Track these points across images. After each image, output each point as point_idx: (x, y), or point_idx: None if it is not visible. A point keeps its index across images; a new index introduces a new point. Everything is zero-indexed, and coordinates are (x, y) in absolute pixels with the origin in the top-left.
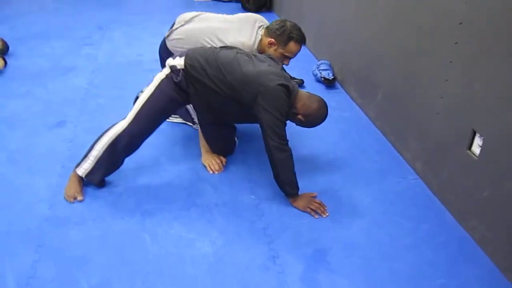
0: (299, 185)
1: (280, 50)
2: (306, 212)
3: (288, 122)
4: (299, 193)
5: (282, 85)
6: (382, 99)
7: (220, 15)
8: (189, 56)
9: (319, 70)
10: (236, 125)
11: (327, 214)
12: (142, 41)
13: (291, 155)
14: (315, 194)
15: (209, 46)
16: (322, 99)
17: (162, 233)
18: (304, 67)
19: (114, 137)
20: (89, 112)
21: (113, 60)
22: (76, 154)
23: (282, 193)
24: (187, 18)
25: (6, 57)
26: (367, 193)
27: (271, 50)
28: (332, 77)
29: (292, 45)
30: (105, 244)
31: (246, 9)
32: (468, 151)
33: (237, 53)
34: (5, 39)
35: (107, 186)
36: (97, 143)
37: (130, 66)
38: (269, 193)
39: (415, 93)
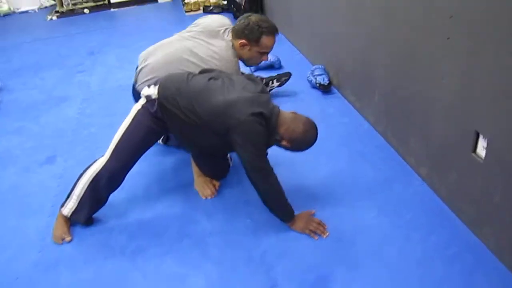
0: (296, 202)
1: (255, 49)
2: (305, 233)
3: None
4: (297, 212)
5: (255, 114)
6: (379, 101)
7: (178, 35)
8: (162, 85)
9: (314, 75)
10: None
11: (327, 234)
12: (135, 63)
13: (277, 182)
14: (313, 212)
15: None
16: (310, 120)
17: (154, 269)
18: (299, 73)
19: (93, 175)
20: (80, 143)
21: (106, 86)
22: (65, 190)
23: None
24: (150, 51)
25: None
26: (371, 204)
27: (245, 51)
28: (328, 82)
29: (265, 40)
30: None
31: (237, 18)
32: (473, 154)
33: (210, 79)
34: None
35: (97, 222)
36: (79, 181)
37: (122, 91)
38: (266, 215)
39: (413, 93)
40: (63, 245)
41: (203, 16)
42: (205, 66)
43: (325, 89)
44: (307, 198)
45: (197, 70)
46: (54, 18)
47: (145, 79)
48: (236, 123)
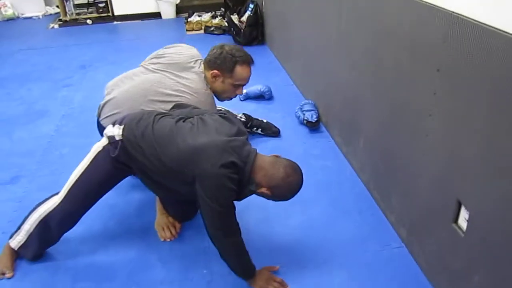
0: (260, 254)
1: (228, 80)
2: None
3: None
4: (259, 266)
5: (225, 165)
6: (364, 149)
7: (143, 65)
8: (127, 126)
9: (302, 111)
10: None
11: None
12: None
13: (240, 243)
14: (276, 269)
15: (153, 108)
16: (292, 164)
17: None
18: (288, 107)
19: (44, 215)
20: (48, 165)
21: (89, 103)
22: (20, 218)
23: None
24: (115, 82)
25: None
26: (342, 266)
27: (218, 83)
28: (316, 119)
29: (239, 70)
30: None
31: (237, 42)
32: (454, 225)
33: (179, 120)
34: None
35: (44, 258)
36: (30, 217)
37: None
38: (226, 267)
39: (397, 147)
40: (1, 280)
41: (170, 45)
42: (172, 103)
43: (313, 126)
44: (273, 250)
45: (165, 107)
46: (56, 26)
47: (108, 114)
48: (202, 174)
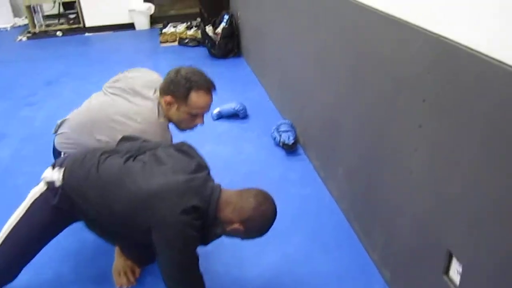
0: None
1: (184, 108)
2: None
3: None
4: None
5: (186, 211)
6: (343, 176)
7: (104, 86)
8: (67, 170)
9: (279, 132)
10: None
11: None
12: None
13: (202, 283)
14: None
15: (100, 135)
16: (262, 191)
17: None
18: (264, 126)
19: None
20: (0, 198)
21: (51, 124)
22: None
23: None
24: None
25: None
26: None
27: (173, 111)
28: (293, 141)
29: (194, 97)
30: None
31: (212, 55)
32: (445, 277)
33: (128, 159)
34: None
35: None
36: None
37: None
38: None
39: (378, 179)
40: None
41: (131, 69)
42: (118, 131)
43: (290, 149)
44: None
45: (110, 133)
46: (24, 39)
47: (61, 141)
48: (160, 223)
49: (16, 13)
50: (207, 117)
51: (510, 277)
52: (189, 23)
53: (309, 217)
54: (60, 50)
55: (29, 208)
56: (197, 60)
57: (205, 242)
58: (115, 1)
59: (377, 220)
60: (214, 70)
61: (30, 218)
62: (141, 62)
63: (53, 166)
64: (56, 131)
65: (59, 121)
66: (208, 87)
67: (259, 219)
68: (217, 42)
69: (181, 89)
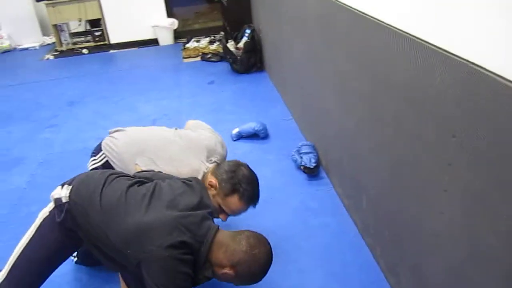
0: None
1: (218, 199)
2: None
3: None
4: None
5: (173, 246)
6: (367, 209)
7: (175, 131)
8: (74, 188)
9: (300, 154)
10: None
11: None
12: (108, 119)
13: None
14: None
15: (138, 164)
16: (257, 234)
17: None
18: (284, 148)
19: None
20: (11, 228)
21: (70, 147)
22: None
23: None
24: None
25: None
26: None
27: (211, 193)
28: (315, 164)
29: (234, 200)
30: None
31: (234, 70)
32: None
33: (132, 185)
34: None
35: None
36: None
37: (85, 156)
38: None
39: (405, 218)
40: None
41: (198, 123)
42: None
43: (311, 172)
44: None
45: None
46: (51, 57)
47: (107, 143)
48: (147, 257)
49: (44, 31)
50: (226, 138)
51: None
52: (212, 37)
53: (332, 251)
54: (84, 68)
55: (38, 227)
56: (219, 75)
57: (194, 283)
58: (138, 17)
59: (404, 260)
60: (236, 86)
61: (39, 237)
62: (162, 80)
63: (62, 185)
64: (110, 133)
65: (117, 128)
66: (252, 202)
67: (250, 264)
68: (238, 57)
69: (228, 186)
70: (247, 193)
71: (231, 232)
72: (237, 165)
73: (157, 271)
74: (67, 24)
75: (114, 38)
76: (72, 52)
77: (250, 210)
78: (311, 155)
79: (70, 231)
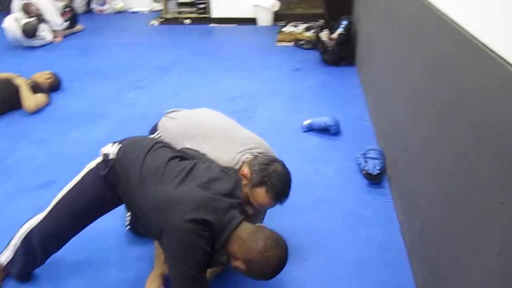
0: None
1: (247, 190)
2: None
3: None
4: None
5: (194, 221)
6: (419, 232)
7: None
8: (122, 148)
9: (365, 158)
10: None
11: None
12: (190, 90)
13: None
14: None
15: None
16: (277, 236)
17: None
18: (356, 148)
19: (27, 231)
20: None
21: (149, 112)
22: None
23: None
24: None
25: (57, 93)
26: None
27: (243, 183)
28: (378, 171)
29: (260, 192)
30: None
31: (324, 60)
32: None
33: (172, 158)
34: (72, 73)
35: (33, 282)
36: (18, 232)
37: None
38: None
39: (453, 255)
40: None
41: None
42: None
43: (373, 180)
44: None
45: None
46: (156, 24)
47: (162, 123)
48: (168, 227)
49: None
50: (296, 128)
51: None
52: (310, 24)
53: (371, 265)
54: (183, 38)
55: (83, 176)
56: (307, 64)
57: (208, 265)
58: None
59: None
60: (321, 77)
61: (82, 185)
62: (251, 60)
63: (113, 143)
64: (167, 112)
65: (174, 109)
66: (279, 198)
67: (262, 265)
68: (330, 48)
69: (258, 177)
70: (275, 188)
71: (254, 227)
72: (272, 160)
73: (176, 243)
74: None
75: (216, 13)
76: (176, 21)
77: (300, 205)
78: (376, 161)
79: (111, 186)
